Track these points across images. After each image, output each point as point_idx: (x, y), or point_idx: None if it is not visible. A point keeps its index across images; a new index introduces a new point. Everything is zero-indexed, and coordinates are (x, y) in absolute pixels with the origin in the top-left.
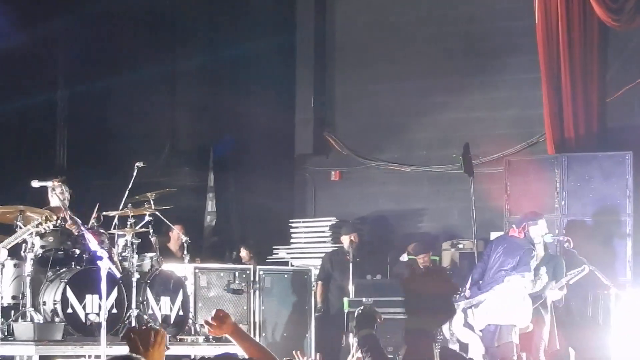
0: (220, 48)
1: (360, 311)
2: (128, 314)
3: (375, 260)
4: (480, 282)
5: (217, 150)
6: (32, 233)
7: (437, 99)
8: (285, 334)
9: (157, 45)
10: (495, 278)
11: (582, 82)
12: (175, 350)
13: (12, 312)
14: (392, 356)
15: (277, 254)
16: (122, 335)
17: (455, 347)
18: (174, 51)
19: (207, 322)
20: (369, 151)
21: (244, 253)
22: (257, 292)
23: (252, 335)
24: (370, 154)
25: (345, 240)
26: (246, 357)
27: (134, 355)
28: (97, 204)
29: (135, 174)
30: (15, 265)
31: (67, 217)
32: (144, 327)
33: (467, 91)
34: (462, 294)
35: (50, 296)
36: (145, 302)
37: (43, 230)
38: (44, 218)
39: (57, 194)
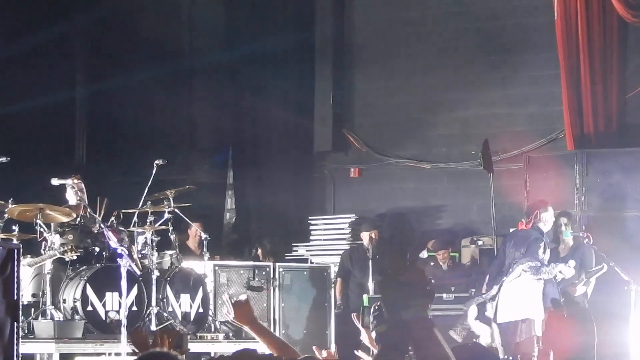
0: (239, 45)
1: (377, 307)
2: (148, 312)
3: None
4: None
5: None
6: (51, 232)
7: (456, 96)
8: (305, 331)
9: (176, 42)
10: (506, 270)
11: (602, 78)
12: (195, 347)
13: (32, 310)
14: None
15: (296, 251)
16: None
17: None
18: (192, 48)
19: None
20: (388, 148)
21: (259, 251)
22: (276, 290)
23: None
24: (390, 151)
25: (365, 237)
26: (266, 352)
27: (171, 352)
28: (105, 201)
29: (154, 171)
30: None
31: (87, 215)
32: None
33: (487, 87)
34: (479, 292)
35: (70, 294)
36: (165, 300)
37: (68, 258)
38: (69, 247)
39: (76, 191)
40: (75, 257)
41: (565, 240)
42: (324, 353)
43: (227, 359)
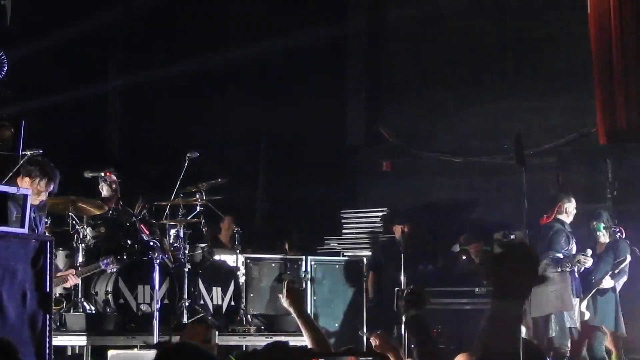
0: (272, 39)
1: (410, 290)
2: (180, 305)
3: (426, 251)
4: None
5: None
6: (83, 224)
7: (489, 89)
8: (337, 325)
9: (210, 37)
10: None
11: (635, 71)
12: (226, 341)
13: (64, 302)
14: (443, 346)
15: (328, 244)
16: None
17: None
18: (226, 42)
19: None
20: (421, 142)
21: (286, 245)
22: (308, 283)
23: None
24: (422, 145)
25: (398, 230)
26: (297, 345)
27: (189, 342)
28: (140, 197)
29: (186, 164)
30: (66, 255)
31: (120, 208)
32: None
33: (519, 81)
34: None
35: (102, 287)
36: (197, 293)
37: (110, 270)
38: (113, 259)
39: (109, 184)
40: (116, 270)
41: (601, 238)
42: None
43: (259, 351)
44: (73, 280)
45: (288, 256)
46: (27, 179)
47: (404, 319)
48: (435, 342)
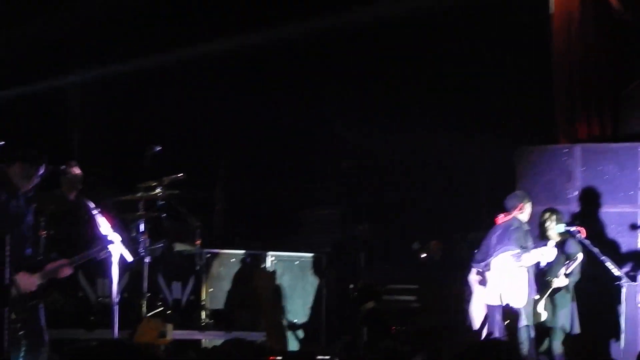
0: (237, 32)
1: (362, 285)
2: (139, 299)
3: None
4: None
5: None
6: (43, 217)
7: None
8: (296, 320)
9: (172, 31)
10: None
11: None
12: (184, 335)
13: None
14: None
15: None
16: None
17: None
18: (188, 36)
19: None
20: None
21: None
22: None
23: None
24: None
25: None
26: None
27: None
28: (102, 190)
29: (148, 159)
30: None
31: (79, 201)
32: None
33: None
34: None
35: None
36: (156, 287)
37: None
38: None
39: (69, 178)
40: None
41: (552, 236)
42: None
43: (216, 349)
44: (67, 271)
45: (249, 251)
46: (18, 164)
47: (361, 312)
48: (393, 337)
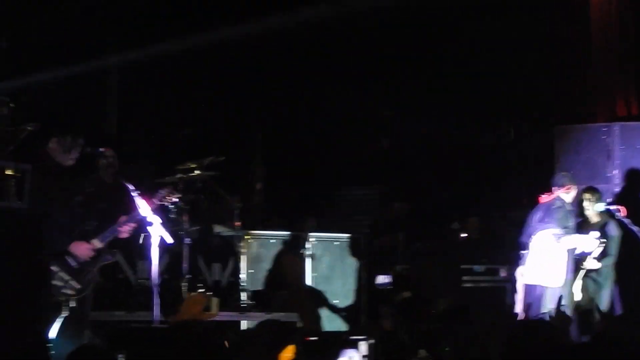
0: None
1: (396, 274)
2: (179, 280)
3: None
4: None
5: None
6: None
7: None
8: (336, 301)
9: (211, 13)
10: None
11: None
12: (224, 317)
13: None
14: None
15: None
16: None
17: None
18: (226, 19)
19: None
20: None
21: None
22: (309, 259)
23: None
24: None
25: (396, 208)
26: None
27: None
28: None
29: (186, 140)
30: None
31: (118, 184)
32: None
33: None
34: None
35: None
36: (196, 269)
37: None
38: None
39: (108, 161)
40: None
41: (590, 215)
42: None
43: (251, 331)
44: (125, 227)
45: (288, 232)
46: (54, 140)
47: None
48: (430, 322)
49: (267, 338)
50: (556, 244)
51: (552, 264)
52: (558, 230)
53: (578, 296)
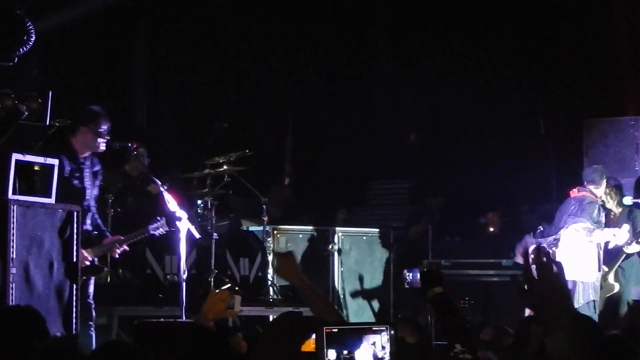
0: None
1: (425, 269)
2: (207, 276)
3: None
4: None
5: None
6: (111, 195)
7: None
8: (363, 297)
9: (239, 8)
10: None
11: None
12: (252, 311)
13: (104, 270)
14: (469, 318)
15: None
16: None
17: None
18: (254, 13)
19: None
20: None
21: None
22: (336, 254)
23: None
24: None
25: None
26: (311, 314)
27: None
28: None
29: (214, 134)
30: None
31: (147, 178)
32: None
33: None
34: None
35: (129, 257)
36: (224, 264)
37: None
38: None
39: (137, 155)
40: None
41: (612, 208)
42: None
43: (271, 323)
44: (120, 248)
45: (316, 227)
46: (81, 128)
47: (428, 298)
48: (462, 317)
49: (287, 329)
50: (587, 238)
51: (583, 258)
52: (590, 225)
53: (617, 287)
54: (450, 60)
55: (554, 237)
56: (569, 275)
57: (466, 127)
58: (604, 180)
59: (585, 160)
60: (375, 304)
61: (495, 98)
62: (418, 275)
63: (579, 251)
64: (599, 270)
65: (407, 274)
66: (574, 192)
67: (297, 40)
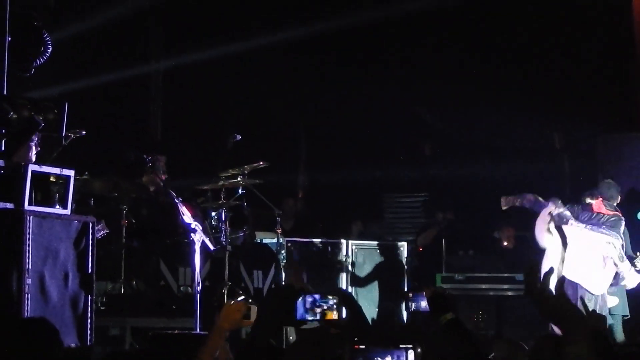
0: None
1: (435, 295)
2: (221, 287)
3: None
4: None
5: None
6: (125, 206)
7: None
8: (376, 309)
9: (254, 19)
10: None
11: None
12: None
13: (106, 283)
14: (483, 332)
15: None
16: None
17: None
18: (268, 24)
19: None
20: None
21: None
22: (349, 267)
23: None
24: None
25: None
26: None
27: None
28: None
29: (229, 147)
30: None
31: (162, 190)
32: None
33: None
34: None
35: (143, 268)
36: (238, 275)
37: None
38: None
39: (153, 167)
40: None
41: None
42: None
43: (298, 340)
44: None
45: (329, 239)
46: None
47: (440, 325)
48: (476, 339)
49: (316, 342)
50: (617, 260)
51: (598, 270)
52: (619, 242)
53: (615, 301)
54: (466, 75)
55: (574, 219)
56: (578, 279)
57: (481, 140)
58: (619, 196)
59: (600, 176)
60: (388, 317)
61: (511, 113)
62: (422, 301)
63: (595, 262)
64: (606, 286)
65: (411, 303)
66: (600, 207)
67: (312, 53)
